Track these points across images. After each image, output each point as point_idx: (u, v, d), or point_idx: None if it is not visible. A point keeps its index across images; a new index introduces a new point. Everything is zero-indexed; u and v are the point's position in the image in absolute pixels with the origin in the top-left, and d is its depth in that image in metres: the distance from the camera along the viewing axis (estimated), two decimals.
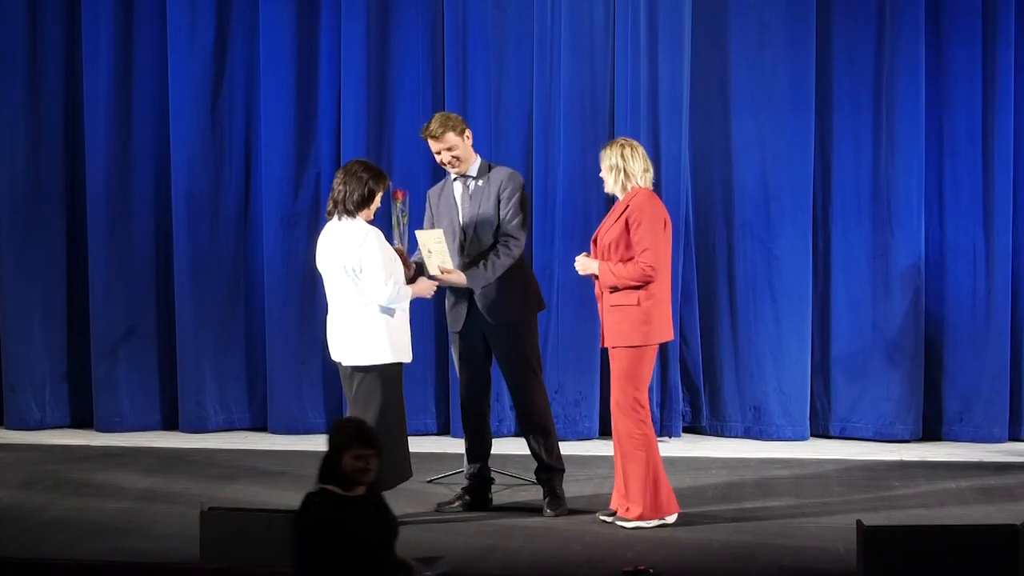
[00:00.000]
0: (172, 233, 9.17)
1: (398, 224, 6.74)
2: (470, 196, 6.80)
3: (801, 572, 5.72)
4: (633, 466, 6.38)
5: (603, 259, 6.47)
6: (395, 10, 9.02)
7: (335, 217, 6.44)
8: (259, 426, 9.23)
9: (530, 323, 6.83)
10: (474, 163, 6.85)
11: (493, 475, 7.02)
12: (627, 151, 6.49)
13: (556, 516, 6.67)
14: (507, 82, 8.95)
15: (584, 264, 6.54)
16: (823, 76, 8.75)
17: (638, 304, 6.37)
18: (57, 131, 9.33)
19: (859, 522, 5.51)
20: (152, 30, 9.18)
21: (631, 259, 6.39)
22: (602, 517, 6.54)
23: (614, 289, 6.41)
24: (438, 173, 8.97)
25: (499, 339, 6.78)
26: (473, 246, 6.75)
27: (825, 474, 7.76)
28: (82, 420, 9.35)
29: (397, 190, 6.78)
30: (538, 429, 6.82)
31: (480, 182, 6.80)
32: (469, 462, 6.95)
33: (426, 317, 8.88)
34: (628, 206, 6.42)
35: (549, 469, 6.83)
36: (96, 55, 9.15)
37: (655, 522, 6.37)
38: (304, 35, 9.11)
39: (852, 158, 8.77)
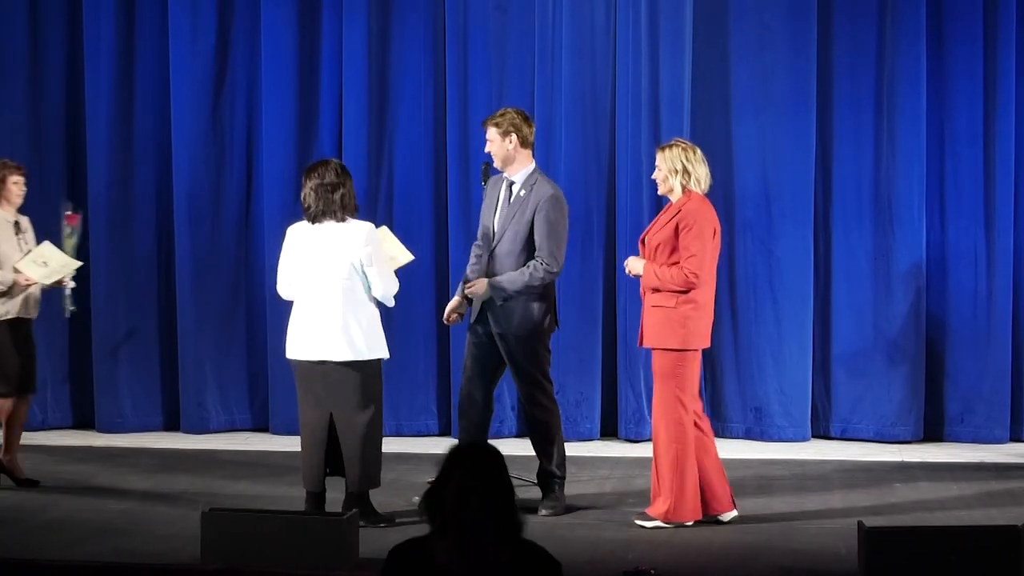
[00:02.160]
0: (173, 233, 9.18)
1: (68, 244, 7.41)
2: (510, 203, 6.77)
3: (802, 573, 5.72)
4: (664, 463, 6.39)
5: (650, 260, 6.44)
6: (396, 11, 9.03)
7: (335, 219, 6.44)
8: (261, 426, 9.23)
9: (540, 338, 6.77)
10: (522, 170, 6.80)
11: None
12: (689, 153, 6.46)
13: (550, 515, 6.67)
14: (508, 83, 8.95)
15: (631, 265, 6.52)
16: (824, 77, 8.75)
17: (675, 307, 6.36)
18: (59, 132, 9.34)
19: (860, 523, 5.51)
20: (153, 31, 9.19)
21: (676, 263, 6.36)
22: (639, 522, 6.54)
23: (656, 290, 6.40)
24: (439, 174, 9.01)
25: (507, 349, 6.77)
26: (499, 252, 6.74)
27: (826, 475, 7.76)
28: (83, 421, 9.35)
29: (72, 214, 7.44)
30: (541, 439, 6.84)
31: (523, 192, 6.75)
32: None
33: (426, 317, 8.91)
34: (680, 210, 6.39)
35: (549, 475, 6.84)
36: (97, 55, 9.15)
37: (673, 524, 6.36)
38: (305, 36, 9.12)
39: (853, 159, 8.77)
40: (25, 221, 7.47)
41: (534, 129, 6.93)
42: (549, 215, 6.67)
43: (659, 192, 6.59)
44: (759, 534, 6.33)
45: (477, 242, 6.97)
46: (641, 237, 6.65)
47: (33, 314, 7.44)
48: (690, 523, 6.40)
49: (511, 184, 6.81)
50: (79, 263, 7.51)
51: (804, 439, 8.75)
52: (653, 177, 6.58)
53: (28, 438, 8.97)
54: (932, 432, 8.75)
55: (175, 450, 8.62)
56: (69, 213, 7.53)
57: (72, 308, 7.61)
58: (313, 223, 6.48)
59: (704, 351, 8.78)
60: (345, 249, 6.43)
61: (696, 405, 6.50)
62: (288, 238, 6.61)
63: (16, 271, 7.25)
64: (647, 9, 8.73)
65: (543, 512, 6.71)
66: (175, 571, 5.64)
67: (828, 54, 8.76)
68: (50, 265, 7.31)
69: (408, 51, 9.04)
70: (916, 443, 8.65)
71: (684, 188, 6.43)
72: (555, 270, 6.68)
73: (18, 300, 7.30)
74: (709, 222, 6.41)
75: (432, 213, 9.05)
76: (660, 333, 6.38)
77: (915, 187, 8.67)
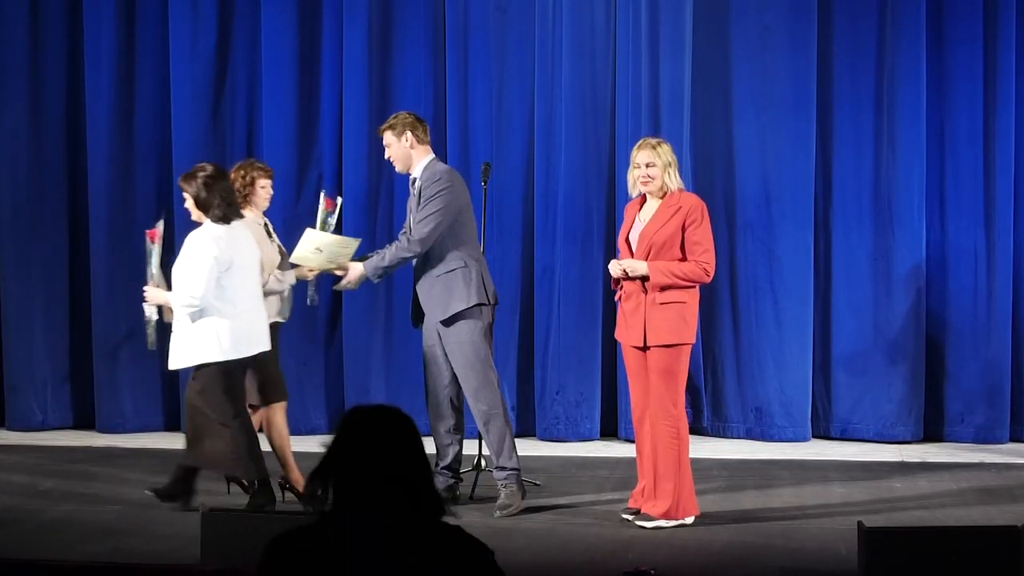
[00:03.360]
0: (174, 234, 9.17)
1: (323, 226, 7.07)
2: (414, 197, 6.83)
3: (802, 573, 5.72)
4: (665, 463, 6.38)
5: (649, 259, 6.36)
6: (396, 12, 9.04)
7: (240, 217, 6.68)
8: (261, 427, 9.21)
9: (468, 322, 6.71)
10: (419, 163, 6.81)
11: (472, 472, 7.12)
12: (671, 148, 6.47)
13: (503, 517, 6.61)
14: (508, 84, 8.96)
15: (632, 266, 6.38)
16: (824, 77, 8.76)
17: (687, 303, 6.35)
18: (59, 133, 9.35)
19: (860, 523, 5.51)
20: (154, 32, 9.20)
21: (682, 259, 6.34)
22: (624, 515, 6.55)
23: (664, 288, 6.33)
24: None
25: (447, 337, 6.76)
26: (411, 230, 6.79)
27: (826, 475, 7.76)
28: (84, 421, 9.36)
29: (330, 198, 7.12)
30: (482, 427, 6.80)
31: (420, 182, 6.80)
32: (437, 462, 6.91)
33: None
34: (681, 205, 6.37)
35: (499, 468, 6.78)
36: (98, 57, 9.16)
37: (675, 522, 6.37)
38: (306, 37, 9.12)
39: (853, 159, 8.77)
40: (270, 224, 7.21)
41: (427, 127, 6.93)
42: (429, 189, 6.71)
43: (647, 189, 6.42)
44: (759, 534, 6.33)
45: None
46: (624, 237, 6.56)
47: (287, 315, 7.16)
48: (690, 521, 6.40)
49: (415, 180, 6.83)
50: (358, 240, 7.03)
51: (804, 439, 8.75)
52: (648, 174, 6.39)
53: (29, 438, 9.00)
54: (932, 432, 8.75)
55: (176, 450, 8.58)
56: (328, 198, 7.16)
57: (316, 297, 7.25)
58: (226, 223, 6.60)
59: (704, 351, 8.90)
60: (255, 247, 6.72)
61: None
62: (211, 243, 6.54)
63: (293, 266, 7.00)
64: (647, 9, 8.73)
65: (498, 514, 6.65)
66: (175, 571, 5.63)
67: (828, 54, 8.77)
68: (325, 251, 6.89)
69: (408, 52, 9.05)
70: (916, 443, 8.65)
71: (669, 184, 6.40)
72: (416, 238, 6.67)
73: (274, 303, 6.98)
74: (708, 217, 6.45)
75: None
76: (672, 329, 6.33)
77: (915, 187, 8.67)
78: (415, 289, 6.85)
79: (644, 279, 6.35)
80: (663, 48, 8.75)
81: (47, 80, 9.29)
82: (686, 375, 6.48)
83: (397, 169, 6.93)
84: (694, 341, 6.47)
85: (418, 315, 6.89)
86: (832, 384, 8.88)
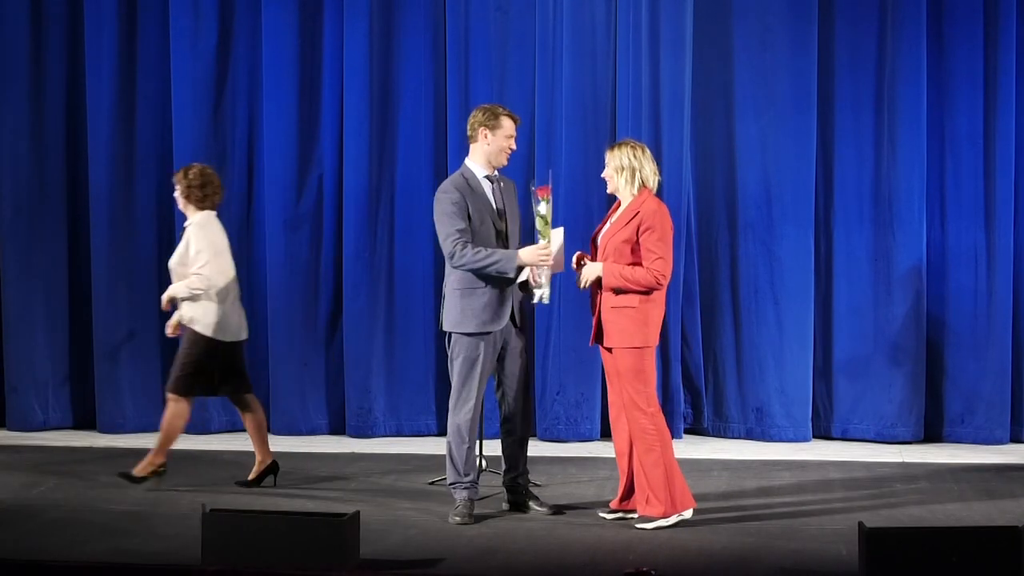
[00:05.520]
0: (175, 235, 9.17)
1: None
2: (501, 193, 6.80)
3: (802, 573, 5.72)
4: (650, 465, 6.37)
5: (607, 260, 6.44)
6: (397, 12, 9.04)
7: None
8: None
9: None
10: None
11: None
12: (637, 152, 6.46)
13: (551, 513, 6.68)
14: (509, 84, 8.96)
15: (589, 268, 6.50)
16: (825, 78, 8.76)
17: (638, 306, 6.39)
18: (60, 134, 9.34)
19: (861, 524, 5.51)
20: (155, 32, 9.20)
21: (636, 264, 6.37)
22: (602, 514, 6.57)
23: (617, 291, 6.40)
24: (439, 175, 9.00)
25: (521, 349, 6.79)
26: (511, 236, 6.82)
27: (827, 476, 7.76)
28: (85, 421, 9.36)
29: (540, 186, 6.77)
30: (524, 440, 6.83)
31: (502, 184, 6.84)
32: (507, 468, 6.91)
33: (427, 318, 8.91)
34: (639, 212, 6.39)
35: (524, 475, 6.84)
36: (99, 57, 9.16)
37: (674, 518, 6.38)
38: (307, 37, 9.12)
39: (854, 160, 8.78)
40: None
41: None
42: None
43: (608, 191, 6.57)
44: (759, 534, 6.33)
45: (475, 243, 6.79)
46: (592, 236, 6.63)
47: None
48: (689, 514, 6.41)
49: (491, 179, 6.78)
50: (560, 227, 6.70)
51: (805, 439, 8.75)
52: (602, 176, 6.57)
53: (29, 438, 9.01)
54: (932, 433, 8.75)
55: (176, 450, 8.59)
56: (538, 186, 6.76)
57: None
58: None
59: (705, 351, 8.90)
60: None
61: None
62: None
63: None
64: (648, 9, 8.73)
65: (544, 511, 6.72)
66: (176, 572, 5.64)
67: (829, 54, 8.77)
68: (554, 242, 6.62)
69: (409, 52, 9.05)
70: (916, 444, 8.66)
71: (635, 187, 6.42)
72: None
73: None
74: (669, 224, 6.45)
75: (432, 214, 9.03)
76: (625, 332, 6.40)
77: (915, 187, 8.67)
78: (514, 296, 6.76)
79: (598, 280, 6.45)
80: (664, 48, 8.75)
81: (48, 80, 9.29)
82: (654, 375, 6.49)
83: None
84: (653, 344, 6.46)
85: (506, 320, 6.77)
86: (833, 384, 8.88)
